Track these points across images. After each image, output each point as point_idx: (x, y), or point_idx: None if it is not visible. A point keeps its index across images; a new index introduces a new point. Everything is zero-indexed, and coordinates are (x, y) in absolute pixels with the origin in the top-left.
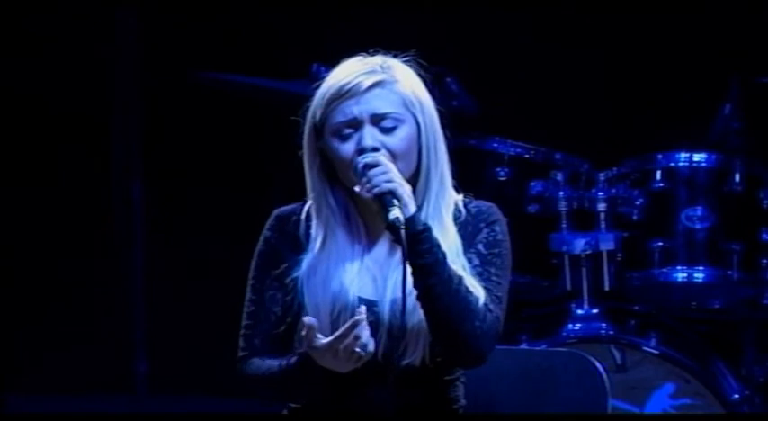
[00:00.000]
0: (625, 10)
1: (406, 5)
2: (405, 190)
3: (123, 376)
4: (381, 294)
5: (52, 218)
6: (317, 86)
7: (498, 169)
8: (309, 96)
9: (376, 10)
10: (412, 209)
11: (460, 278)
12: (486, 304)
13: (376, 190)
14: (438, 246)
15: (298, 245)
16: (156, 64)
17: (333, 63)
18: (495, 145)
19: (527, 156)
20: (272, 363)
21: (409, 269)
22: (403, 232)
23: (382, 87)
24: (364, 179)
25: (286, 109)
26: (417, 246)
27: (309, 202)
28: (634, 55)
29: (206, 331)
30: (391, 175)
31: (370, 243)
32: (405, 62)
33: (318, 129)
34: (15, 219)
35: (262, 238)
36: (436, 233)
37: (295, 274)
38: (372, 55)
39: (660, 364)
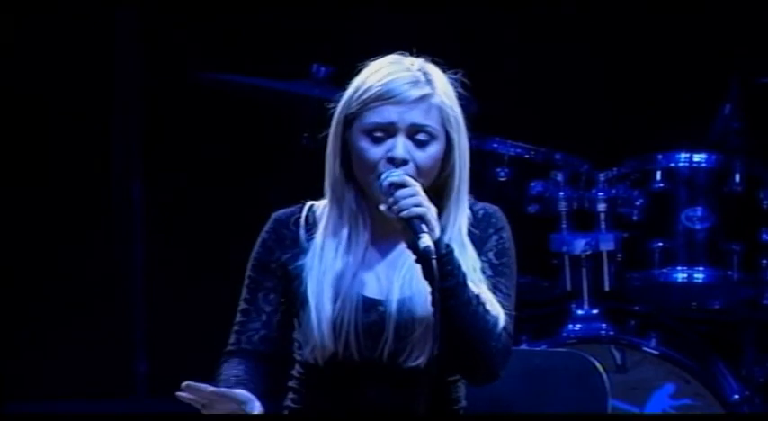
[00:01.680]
0: (625, 10)
1: (406, 5)
2: (432, 214)
3: (123, 377)
4: (387, 293)
5: (52, 218)
6: (356, 75)
7: (498, 169)
8: (309, 96)
9: (376, 10)
10: (437, 233)
11: (478, 297)
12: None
13: (405, 213)
14: (459, 267)
15: (297, 245)
16: (156, 64)
17: (333, 63)
18: (496, 145)
19: (527, 156)
20: (229, 372)
21: (418, 269)
22: (435, 262)
23: (427, 102)
24: (391, 199)
25: (286, 109)
26: (440, 268)
27: (309, 204)
28: (634, 55)
29: (206, 331)
30: (420, 199)
31: (376, 240)
32: (446, 74)
33: (348, 120)
34: (14, 219)
35: (259, 240)
36: (457, 251)
37: (300, 263)
38: (412, 55)
39: (660, 365)
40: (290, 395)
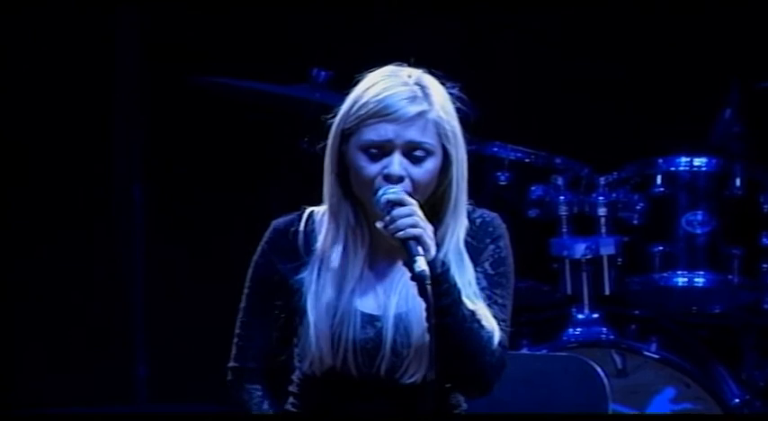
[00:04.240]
0: (625, 14)
1: (406, 10)
2: (428, 233)
3: (123, 381)
4: (384, 309)
5: (53, 220)
6: (353, 85)
7: (499, 174)
8: (309, 100)
9: (375, 15)
10: (433, 251)
11: (473, 313)
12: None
13: (401, 234)
14: (454, 285)
15: (296, 257)
16: (155, 68)
17: (333, 67)
18: (496, 149)
19: (527, 160)
20: (265, 407)
21: (414, 284)
22: (429, 287)
23: (424, 118)
24: (388, 218)
25: (286, 113)
26: (435, 287)
27: (308, 211)
28: (634, 59)
29: (206, 336)
30: (416, 219)
31: (374, 254)
32: (446, 88)
33: (345, 134)
34: (15, 222)
35: (259, 250)
36: (453, 266)
37: (300, 277)
38: (408, 65)
39: (661, 369)
40: (290, 400)
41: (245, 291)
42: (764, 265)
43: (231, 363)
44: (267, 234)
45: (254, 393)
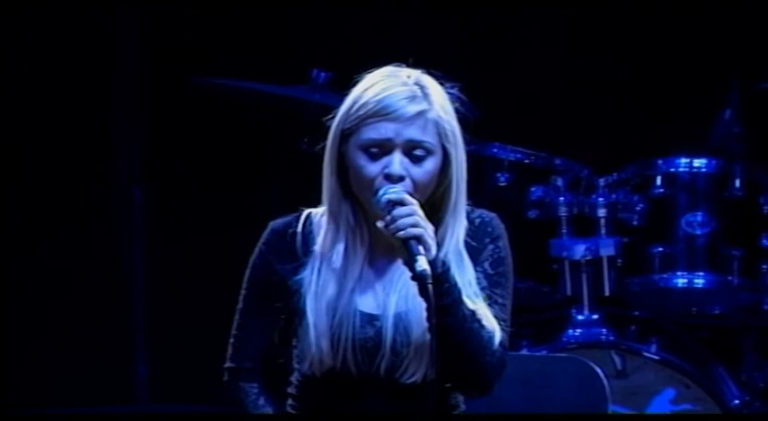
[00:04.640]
0: (625, 15)
1: (405, 10)
2: (429, 233)
3: (123, 381)
4: (383, 308)
5: (53, 221)
6: (352, 86)
7: (498, 175)
8: (308, 101)
9: (374, 16)
10: (434, 251)
11: (474, 313)
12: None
13: (401, 234)
14: (455, 285)
15: (294, 258)
16: (157, 67)
17: (332, 68)
18: (495, 150)
19: (527, 161)
20: (266, 408)
21: (414, 284)
22: (430, 287)
23: (423, 118)
24: (388, 217)
25: (286, 114)
26: (436, 286)
27: (306, 213)
28: (634, 59)
29: (206, 336)
30: (417, 219)
31: (373, 254)
32: (445, 89)
33: (345, 134)
34: (15, 223)
35: (256, 251)
36: (453, 266)
37: (299, 277)
38: (407, 65)
39: (660, 370)
40: (290, 401)
41: (243, 291)
42: (764, 266)
43: (227, 364)
44: (264, 235)
45: (251, 390)
